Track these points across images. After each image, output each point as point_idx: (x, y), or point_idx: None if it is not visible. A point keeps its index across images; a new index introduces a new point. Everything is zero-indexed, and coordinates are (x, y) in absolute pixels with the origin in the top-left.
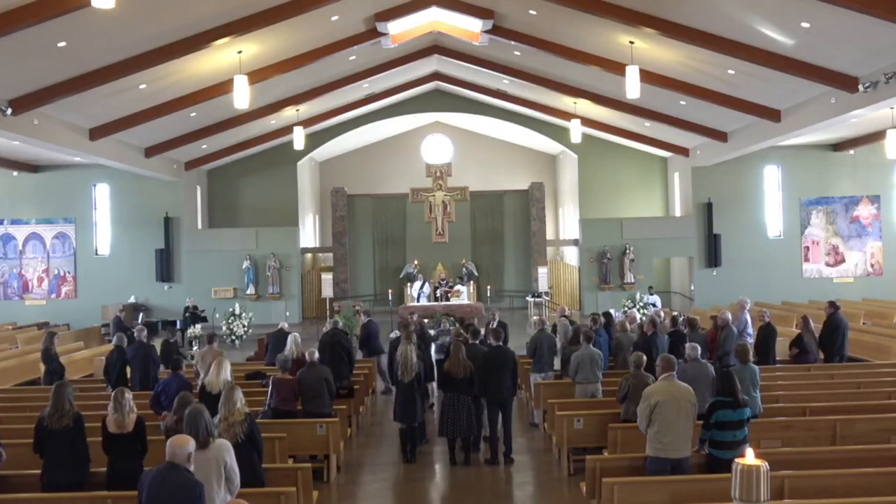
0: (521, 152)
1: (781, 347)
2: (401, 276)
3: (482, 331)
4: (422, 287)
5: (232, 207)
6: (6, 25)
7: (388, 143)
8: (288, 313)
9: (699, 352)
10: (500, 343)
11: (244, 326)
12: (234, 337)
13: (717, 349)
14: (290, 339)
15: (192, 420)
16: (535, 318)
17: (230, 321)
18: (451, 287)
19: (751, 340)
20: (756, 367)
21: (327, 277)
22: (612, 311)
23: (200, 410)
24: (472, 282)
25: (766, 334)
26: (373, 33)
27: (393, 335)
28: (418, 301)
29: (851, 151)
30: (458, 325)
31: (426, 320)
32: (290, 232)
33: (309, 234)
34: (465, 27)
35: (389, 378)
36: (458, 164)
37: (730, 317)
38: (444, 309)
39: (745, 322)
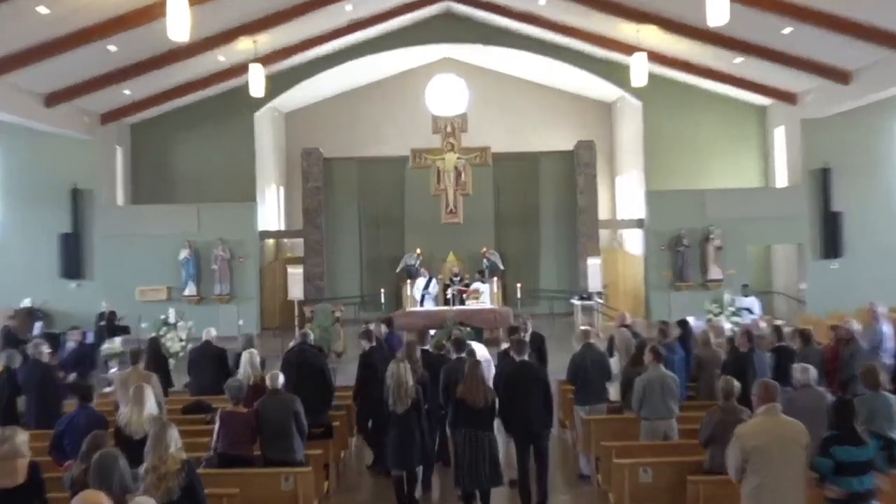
0: (563, 100)
1: None
2: (398, 271)
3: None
4: (427, 285)
5: (165, 176)
6: None
7: (380, 89)
8: (241, 321)
9: (814, 375)
10: (525, 357)
11: (182, 340)
12: (168, 355)
13: (840, 372)
14: (244, 357)
15: (101, 470)
16: (581, 328)
17: (162, 333)
18: (468, 285)
19: (890, 361)
20: (892, 397)
21: (296, 272)
22: (690, 318)
23: (114, 457)
24: (495, 278)
25: None
26: None
27: (364, 346)
28: (422, 304)
29: None
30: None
31: (433, 331)
32: (244, 210)
33: (271, 212)
34: None
35: (371, 408)
36: (476, 117)
37: (857, 327)
38: (458, 316)
39: (881, 335)
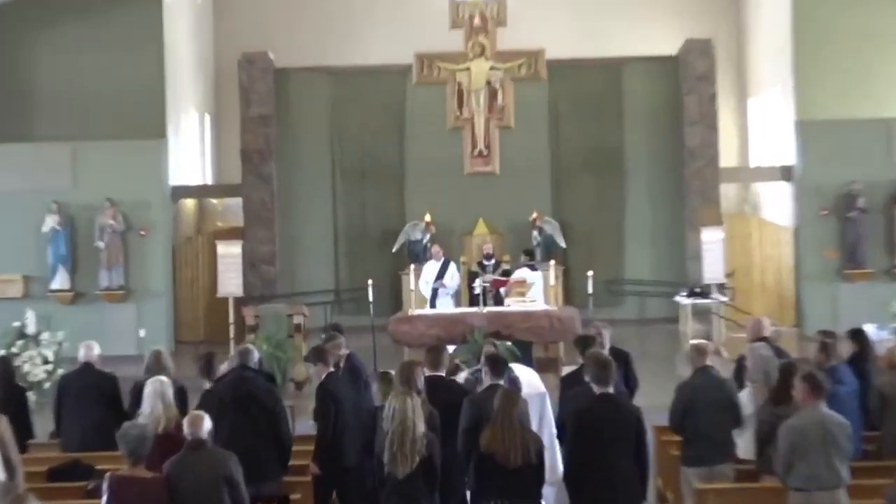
0: None
1: None
2: (395, 250)
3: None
4: (441, 274)
5: (20, 98)
6: None
7: None
8: (144, 331)
9: None
10: (609, 388)
11: (47, 362)
12: (26, 385)
13: None
14: (149, 390)
15: None
16: (693, 342)
17: (16, 351)
18: (507, 273)
19: None
20: None
21: (231, 252)
22: (869, 327)
23: None
24: (552, 262)
25: None
26: None
27: (318, 372)
28: (433, 304)
29: None
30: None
31: (452, 348)
32: (147, 152)
33: (191, 155)
34: None
35: (337, 472)
36: (521, 2)
37: None
38: (493, 322)
39: None
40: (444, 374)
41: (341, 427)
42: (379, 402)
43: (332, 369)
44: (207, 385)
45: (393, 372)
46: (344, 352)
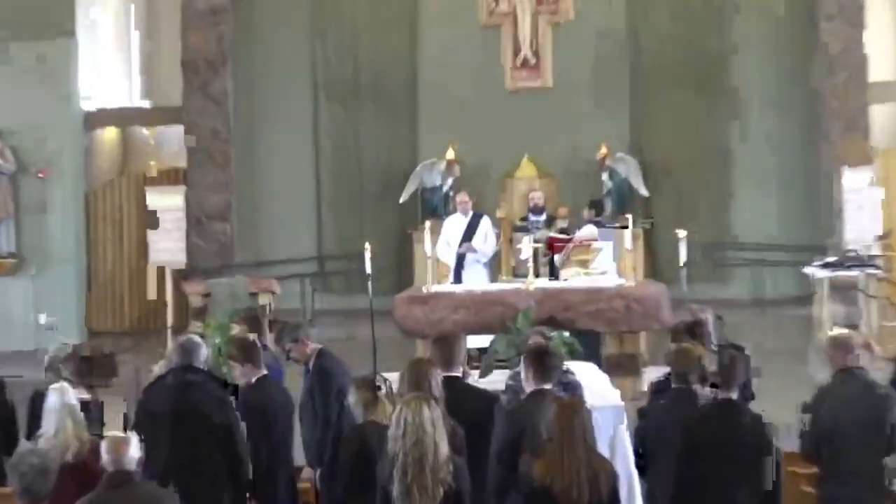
0: None
1: None
2: (402, 200)
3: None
4: (470, 232)
5: None
6: None
7: None
8: (44, 316)
9: None
10: (733, 394)
11: None
12: None
13: None
14: (52, 400)
15: None
16: (832, 333)
17: None
18: (565, 233)
19: None
20: None
21: (167, 202)
22: None
23: None
24: (627, 216)
25: None
26: None
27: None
28: (458, 277)
29: None
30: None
31: (487, 339)
32: (47, 60)
33: (113, 64)
34: None
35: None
36: None
37: None
38: (544, 304)
39: None
40: (460, 375)
41: (270, 458)
42: (360, 419)
43: (264, 372)
44: (86, 395)
45: (378, 377)
46: (314, 348)
